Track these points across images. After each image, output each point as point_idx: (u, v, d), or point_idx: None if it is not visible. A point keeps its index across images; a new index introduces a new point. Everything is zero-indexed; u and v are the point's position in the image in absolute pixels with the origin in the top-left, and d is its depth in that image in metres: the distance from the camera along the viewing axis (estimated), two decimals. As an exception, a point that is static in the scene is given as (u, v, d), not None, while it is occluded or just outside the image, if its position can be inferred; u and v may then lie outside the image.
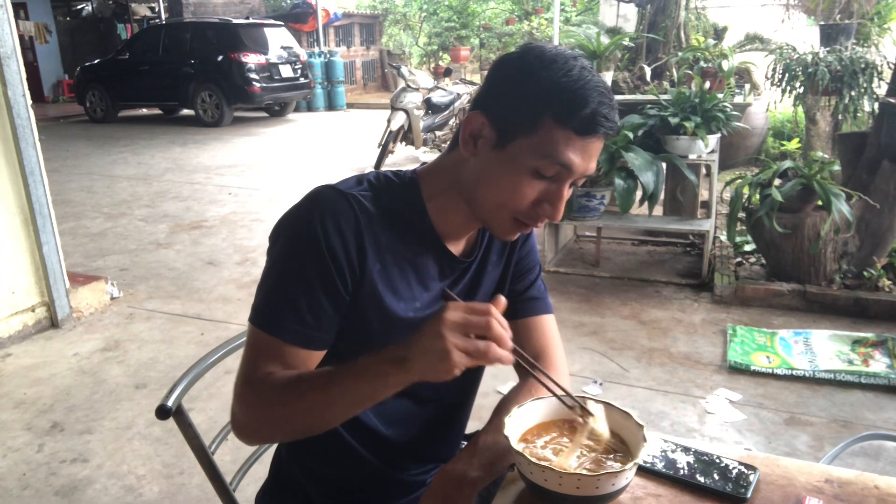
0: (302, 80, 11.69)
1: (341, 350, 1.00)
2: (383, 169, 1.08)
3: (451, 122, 7.91)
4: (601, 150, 0.95)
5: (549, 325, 1.17)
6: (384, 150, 7.25)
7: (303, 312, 0.95)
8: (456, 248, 1.07)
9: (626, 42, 4.68)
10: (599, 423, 0.94)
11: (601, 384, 2.85)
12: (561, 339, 1.19)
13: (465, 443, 1.15)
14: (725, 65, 4.19)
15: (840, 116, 4.63)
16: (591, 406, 0.95)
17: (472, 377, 1.19)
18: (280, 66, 11.16)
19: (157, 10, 14.57)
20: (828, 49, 4.55)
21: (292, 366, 0.96)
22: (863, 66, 4.21)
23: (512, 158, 0.93)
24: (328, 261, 0.94)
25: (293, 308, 0.95)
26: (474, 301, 1.10)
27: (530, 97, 0.91)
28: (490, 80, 0.98)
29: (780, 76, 4.58)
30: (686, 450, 1.02)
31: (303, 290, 0.95)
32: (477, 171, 0.97)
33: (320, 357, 1.00)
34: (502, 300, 0.84)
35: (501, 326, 0.81)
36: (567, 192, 0.95)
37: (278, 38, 11.47)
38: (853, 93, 4.27)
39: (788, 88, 4.54)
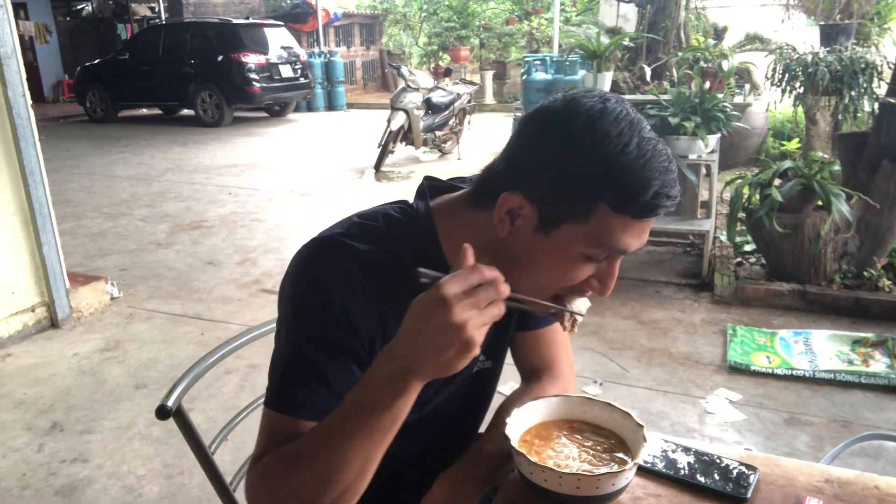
0: (302, 80, 11.69)
1: None
2: (384, 205, 0.96)
3: (450, 122, 7.92)
4: None
5: (557, 335, 1.16)
6: (384, 150, 7.28)
7: (335, 383, 0.87)
8: None
9: (626, 42, 4.67)
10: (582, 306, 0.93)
11: (601, 384, 2.85)
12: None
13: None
14: (725, 65, 4.18)
15: (840, 116, 4.62)
16: (577, 306, 0.92)
17: (483, 405, 1.17)
18: (280, 66, 11.16)
19: (157, 10, 14.57)
20: (828, 49, 4.54)
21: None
22: (863, 66, 4.21)
23: (558, 245, 0.82)
24: (352, 337, 0.87)
25: (323, 383, 0.87)
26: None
27: (582, 182, 0.78)
28: (527, 148, 0.84)
29: (780, 76, 4.57)
30: (686, 450, 1.02)
31: (332, 361, 0.87)
32: (515, 253, 0.86)
33: None
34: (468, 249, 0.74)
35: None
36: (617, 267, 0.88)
37: (278, 38, 11.47)
38: (853, 93, 4.26)
39: (788, 88, 4.53)
